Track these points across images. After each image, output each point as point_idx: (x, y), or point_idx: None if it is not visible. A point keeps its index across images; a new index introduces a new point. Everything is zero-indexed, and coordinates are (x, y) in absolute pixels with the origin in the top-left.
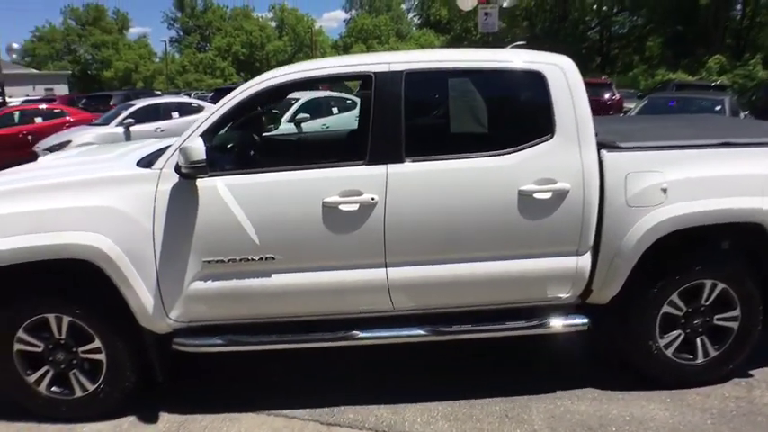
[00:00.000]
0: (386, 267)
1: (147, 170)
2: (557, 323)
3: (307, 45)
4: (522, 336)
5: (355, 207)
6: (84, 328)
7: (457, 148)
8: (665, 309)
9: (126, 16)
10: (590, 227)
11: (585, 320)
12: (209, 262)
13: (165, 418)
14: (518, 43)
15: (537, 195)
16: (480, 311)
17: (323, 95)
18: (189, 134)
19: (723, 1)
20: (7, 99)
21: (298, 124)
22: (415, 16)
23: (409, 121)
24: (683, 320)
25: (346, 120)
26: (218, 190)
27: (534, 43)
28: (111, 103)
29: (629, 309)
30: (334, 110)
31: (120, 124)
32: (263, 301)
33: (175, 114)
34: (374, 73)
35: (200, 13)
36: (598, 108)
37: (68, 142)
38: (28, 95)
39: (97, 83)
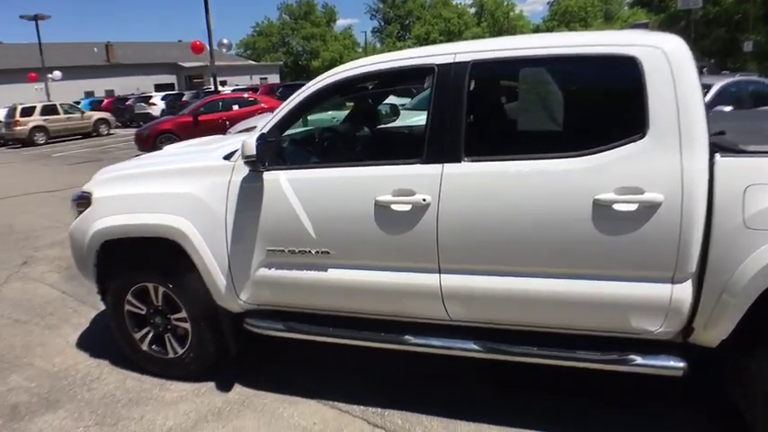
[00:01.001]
0: (439, 273)
1: (225, 162)
2: (641, 362)
3: (505, 30)
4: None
5: (408, 207)
6: (174, 299)
7: (523, 148)
8: None
9: (333, 9)
10: (690, 250)
11: (681, 365)
12: (272, 251)
13: (236, 389)
14: (639, 22)
15: (618, 207)
16: (550, 335)
17: None
18: (259, 129)
19: None
20: (220, 88)
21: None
22: None
23: (472, 116)
24: None
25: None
26: (280, 183)
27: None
28: None
29: (748, 362)
30: None
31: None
32: (318, 293)
33: None
34: (437, 65)
35: (400, 2)
36: None
37: (254, 127)
38: (237, 84)
39: (306, 72)
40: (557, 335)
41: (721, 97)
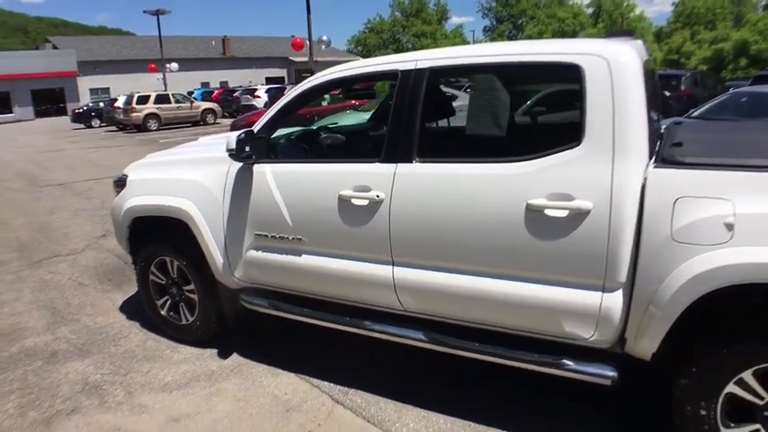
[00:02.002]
0: (393, 265)
1: (226, 154)
2: (573, 367)
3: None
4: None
5: (365, 202)
6: (186, 273)
7: (470, 152)
8: (731, 389)
9: (445, 7)
10: (619, 259)
11: (611, 374)
12: (259, 235)
13: (233, 357)
14: (625, 29)
15: (549, 212)
16: (494, 333)
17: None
18: (256, 126)
19: None
20: None
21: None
22: None
23: (426, 120)
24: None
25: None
26: (266, 175)
27: None
28: None
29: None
30: None
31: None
32: (295, 276)
33: None
34: (400, 71)
35: (514, 1)
36: None
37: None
38: None
39: None
40: (501, 334)
41: None
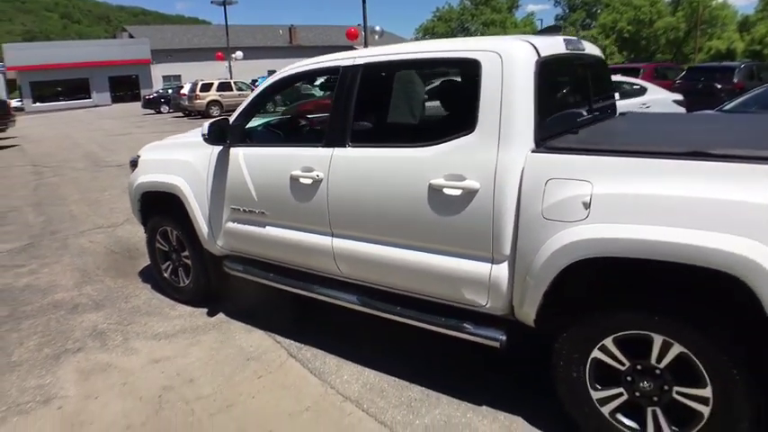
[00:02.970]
0: (332, 237)
1: None
2: (472, 330)
3: (705, 21)
4: None
5: (309, 181)
6: (182, 241)
7: (390, 138)
8: (596, 354)
9: None
10: (502, 234)
11: (501, 338)
12: (233, 209)
13: (218, 316)
14: (552, 25)
15: (446, 191)
16: (414, 299)
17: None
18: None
19: None
20: None
21: None
22: None
23: (358, 109)
24: (629, 377)
25: None
26: (238, 157)
27: None
28: None
29: (553, 344)
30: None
31: None
32: (261, 245)
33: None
34: (342, 66)
35: None
36: None
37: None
38: None
39: None
40: (419, 300)
41: None
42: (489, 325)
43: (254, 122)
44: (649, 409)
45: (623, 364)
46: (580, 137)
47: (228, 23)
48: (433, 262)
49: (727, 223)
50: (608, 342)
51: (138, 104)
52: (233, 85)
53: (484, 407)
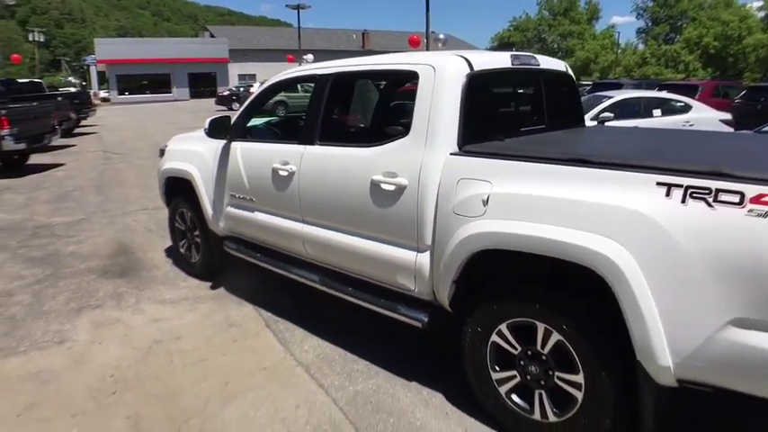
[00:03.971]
0: (303, 223)
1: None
2: (402, 311)
3: None
4: None
5: (286, 173)
6: (193, 221)
7: (347, 138)
8: (494, 338)
9: (596, 7)
10: (425, 226)
11: (424, 319)
12: (231, 195)
13: (219, 290)
14: (505, 42)
15: (383, 186)
16: (365, 282)
17: (637, 95)
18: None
19: None
20: None
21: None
22: None
23: (327, 112)
24: (521, 361)
25: None
26: (237, 150)
27: None
28: None
29: (462, 327)
30: (656, 112)
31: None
32: (250, 228)
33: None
34: (318, 75)
35: (673, 2)
36: None
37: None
38: None
39: None
40: (365, 282)
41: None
42: (416, 307)
43: (255, 121)
44: (537, 392)
45: (516, 349)
46: (502, 143)
47: (305, 27)
48: (375, 249)
49: (591, 223)
50: (503, 328)
51: (213, 101)
52: (299, 86)
53: (413, 382)
